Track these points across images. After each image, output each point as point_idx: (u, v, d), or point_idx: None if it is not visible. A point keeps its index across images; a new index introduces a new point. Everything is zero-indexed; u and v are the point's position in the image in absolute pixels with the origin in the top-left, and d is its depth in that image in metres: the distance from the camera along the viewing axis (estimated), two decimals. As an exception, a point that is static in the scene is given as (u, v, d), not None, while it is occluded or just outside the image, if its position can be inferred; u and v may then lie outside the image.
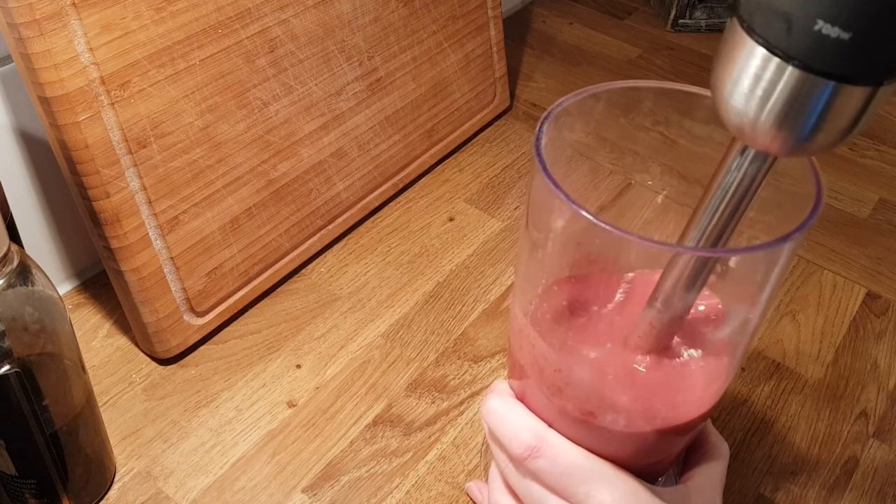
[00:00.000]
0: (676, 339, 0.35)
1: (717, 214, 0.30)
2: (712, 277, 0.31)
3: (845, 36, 0.23)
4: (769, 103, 0.25)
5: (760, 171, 0.29)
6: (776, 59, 0.25)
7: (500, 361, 0.54)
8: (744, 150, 0.28)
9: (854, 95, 0.25)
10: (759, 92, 0.25)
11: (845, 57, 0.23)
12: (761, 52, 0.25)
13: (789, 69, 0.24)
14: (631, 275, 0.37)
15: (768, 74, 0.25)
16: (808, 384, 0.54)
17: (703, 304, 0.36)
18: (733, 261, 0.33)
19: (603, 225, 0.29)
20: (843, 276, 0.62)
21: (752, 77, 0.25)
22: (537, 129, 0.32)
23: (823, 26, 0.23)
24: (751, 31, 0.25)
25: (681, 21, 0.90)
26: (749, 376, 0.55)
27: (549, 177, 0.30)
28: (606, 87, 0.35)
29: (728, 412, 0.52)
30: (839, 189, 0.70)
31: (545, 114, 0.33)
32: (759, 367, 0.55)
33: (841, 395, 0.54)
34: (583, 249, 0.33)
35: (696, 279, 0.31)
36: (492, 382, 0.53)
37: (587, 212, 0.29)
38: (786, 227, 0.29)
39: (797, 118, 0.25)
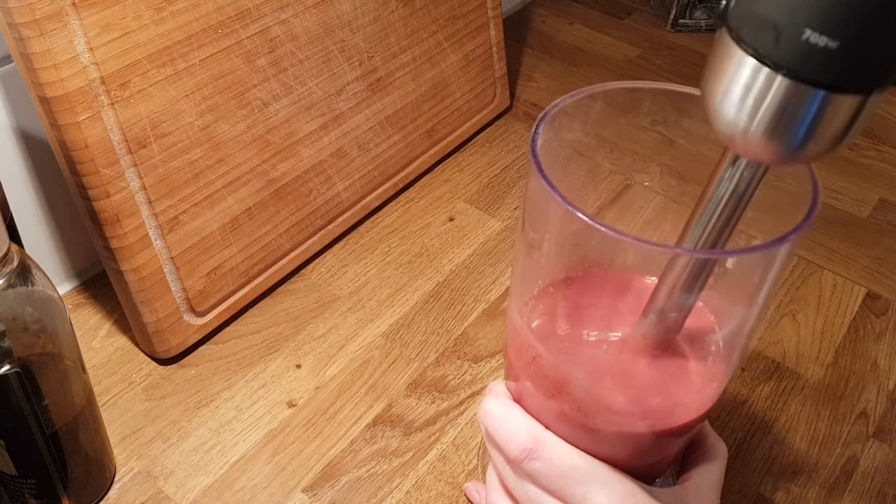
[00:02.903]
0: (674, 341, 0.35)
1: (712, 223, 0.30)
2: (709, 279, 0.31)
3: (833, 44, 0.23)
4: (759, 113, 0.25)
5: (753, 180, 0.29)
6: (766, 69, 0.25)
7: (500, 361, 0.54)
8: (735, 159, 0.28)
9: (844, 104, 0.25)
10: (749, 102, 0.25)
11: (834, 65, 0.23)
12: (751, 61, 0.25)
13: (779, 78, 0.24)
14: (628, 276, 0.37)
15: (758, 84, 0.25)
16: (808, 384, 0.54)
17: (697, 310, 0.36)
18: (730, 262, 0.33)
19: (598, 226, 0.29)
20: (843, 276, 0.62)
21: (742, 87, 0.25)
22: (533, 130, 0.32)
23: (811, 35, 0.23)
24: (740, 41, 0.25)
25: (681, 21, 0.90)
26: (749, 376, 0.55)
27: (545, 178, 0.30)
28: (603, 87, 0.35)
29: (728, 412, 0.52)
30: (839, 189, 0.70)
31: (541, 115, 0.33)
32: (759, 367, 0.55)
33: (841, 395, 0.54)
34: (579, 250, 0.33)
35: (695, 281, 0.31)
36: (491, 383, 0.53)
37: (583, 213, 0.29)
38: (784, 228, 0.29)
39: (788, 127, 0.25)
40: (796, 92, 0.24)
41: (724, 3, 0.26)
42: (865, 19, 0.22)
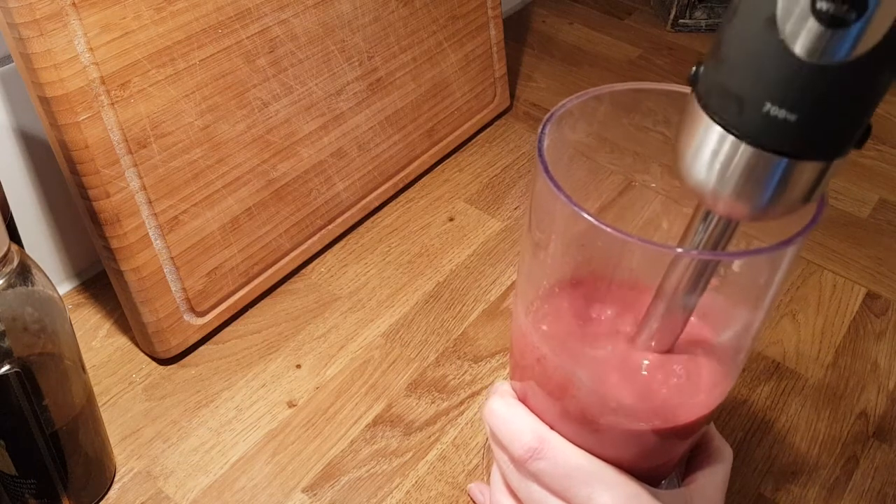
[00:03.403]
0: (679, 342, 0.35)
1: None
2: (714, 281, 0.31)
3: (792, 118, 0.24)
4: (727, 176, 0.26)
5: (726, 231, 0.30)
6: (731, 137, 0.26)
7: (500, 361, 0.54)
8: (707, 214, 0.29)
9: (807, 170, 0.26)
10: (717, 166, 0.26)
11: (794, 136, 0.24)
12: (718, 129, 0.26)
13: (743, 146, 0.25)
14: (634, 277, 0.37)
15: (725, 150, 0.26)
16: (808, 384, 0.54)
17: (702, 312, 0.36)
18: (736, 264, 0.33)
19: (605, 228, 0.29)
20: (843, 276, 0.62)
21: (710, 151, 0.26)
22: (540, 130, 0.32)
23: (772, 108, 0.24)
24: (707, 109, 0.26)
25: (681, 21, 0.90)
26: (749, 376, 0.55)
27: (552, 179, 0.30)
28: (609, 88, 0.35)
29: (728, 412, 0.52)
30: (839, 189, 0.70)
31: (547, 116, 0.33)
32: (759, 367, 0.55)
33: (841, 395, 0.54)
34: (585, 251, 0.33)
35: (698, 282, 0.31)
36: (492, 382, 0.53)
37: (589, 214, 0.29)
38: (787, 230, 0.29)
39: (754, 191, 0.26)
40: (760, 159, 0.25)
41: (693, 69, 0.27)
42: (820, 96, 0.23)
